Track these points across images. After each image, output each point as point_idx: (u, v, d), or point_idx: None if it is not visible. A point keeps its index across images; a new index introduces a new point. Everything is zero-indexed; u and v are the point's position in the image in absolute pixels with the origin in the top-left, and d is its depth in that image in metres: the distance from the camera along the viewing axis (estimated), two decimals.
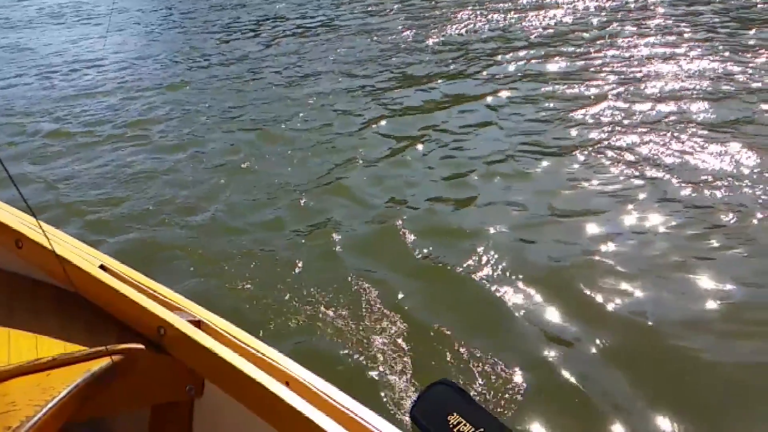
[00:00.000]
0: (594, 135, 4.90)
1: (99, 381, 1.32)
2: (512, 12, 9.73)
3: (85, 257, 1.64)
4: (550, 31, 8.43)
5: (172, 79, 8.01)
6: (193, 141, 5.77)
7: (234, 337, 1.43)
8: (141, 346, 1.40)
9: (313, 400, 1.26)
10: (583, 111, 5.44)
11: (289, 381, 1.32)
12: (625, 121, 5.11)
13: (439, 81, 6.80)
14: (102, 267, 1.62)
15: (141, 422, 1.58)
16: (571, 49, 7.48)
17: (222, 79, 7.79)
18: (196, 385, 1.46)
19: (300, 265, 3.50)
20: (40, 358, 1.36)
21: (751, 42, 6.94)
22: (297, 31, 10.09)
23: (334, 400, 1.28)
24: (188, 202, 4.52)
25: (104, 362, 1.36)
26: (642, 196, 3.91)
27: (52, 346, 1.44)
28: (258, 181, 4.78)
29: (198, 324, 1.46)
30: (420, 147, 5.11)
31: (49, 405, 1.21)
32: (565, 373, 2.55)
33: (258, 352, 1.40)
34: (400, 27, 9.50)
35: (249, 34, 10.37)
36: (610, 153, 4.56)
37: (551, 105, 5.66)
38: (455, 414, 1.68)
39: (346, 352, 2.73)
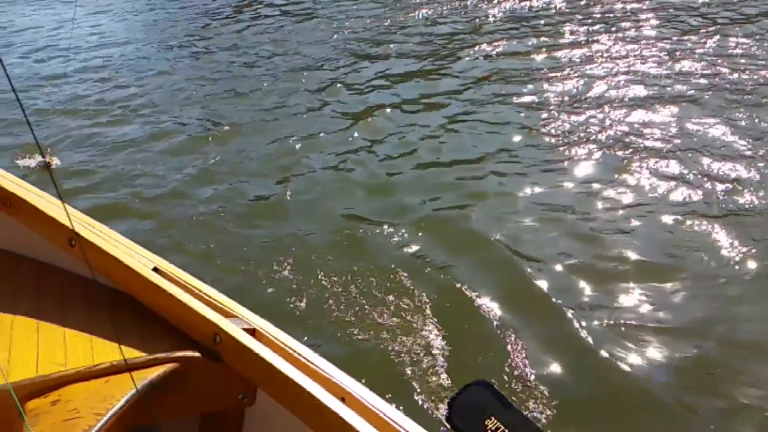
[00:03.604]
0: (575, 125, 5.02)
1: (156, 389, 1.34)
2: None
3: (138, 258, 1.64)
4: (526, 22, 8.52)
5: (150, 64, 7.92)
6: (170, 127, 5.77)
7: (289, 347, 1.43)
8: (197, 354, 1.42)
9: (370, 418, 1.25)
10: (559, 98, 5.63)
11: (345, 397, 1.31)
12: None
13: (412, 72, 6.87)
14: (155, 269, 1.61)
15: (190, 428, 1.58)
16: (546, 38, 7.64)
17: (201, 64, 7.77)
18: (249, 393, 1.46)
19: (315, 249, 3.55)
20: (99, 364, 1.38)
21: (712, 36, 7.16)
22: (274, 17, 10.00)
23: (392, 420, 1.26)
24: (163, 185, 4.58)
25: (162, 370, 1.37)
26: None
27: (107, 350, 1.45)
28: (253, 164, 4.86)
29: (253, 332, 1.46)
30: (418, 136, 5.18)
31: (109, 414, 1.23)
32: (611, 381, 2.55)
33: (313, 364, 1.39)
34: (379, 12, 9.53)
35: (231, 17, 10.24)
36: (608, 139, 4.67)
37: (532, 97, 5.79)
38: (493, 418, 1.64)
39: (378, 347, 2.74)
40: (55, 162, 4.91)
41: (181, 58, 8.13)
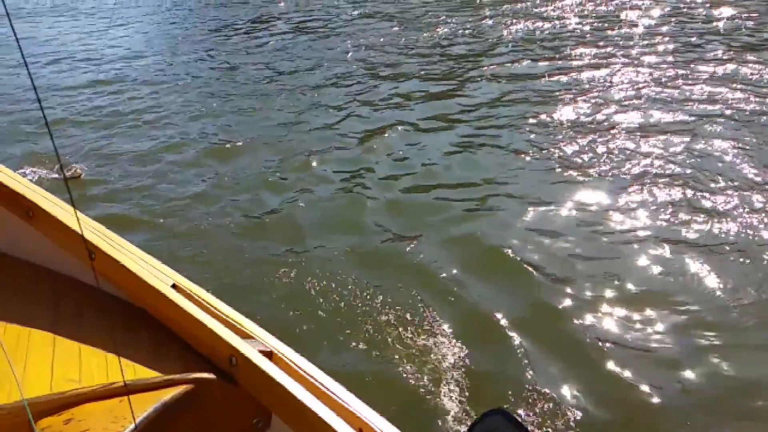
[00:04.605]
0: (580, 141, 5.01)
1: (170, 411, 1.32)
2: (502, 19, 9.89)
3: (157, 275, 1.63)
4: (540, 43, 8.57)
5: (167, 78, 8.04)
6: (186, 139, 5.82)
7: (306, 372, 1.40)
8: (213, 376, 1.40)
9: None
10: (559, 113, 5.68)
11: (362, 428, 1.28)
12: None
13: (426, 91, 6.93)
14: (174, 286, 1.60)
15: None
16: (552, 56, 7.74)
17: (217, 78, 7.88)
18: (264, 419, 1.43)
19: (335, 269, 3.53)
20: (113, 383, 1.37)
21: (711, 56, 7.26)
22: (291, 33, 10.18)
23: None
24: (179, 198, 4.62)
25: (176, 391, 1.36)
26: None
27: (122, 368, 1.43)
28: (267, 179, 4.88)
29: (269, 355, 1.44)
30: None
31: None
32: (629, 408, 2.52)
33: (330, 391, 1.35)
34: (394, 31, 9.64)
35: (249, 33, 10.42)
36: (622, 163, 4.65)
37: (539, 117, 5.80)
38: None
39: (394, 370, 2.70)
40: (83, 174, 4.97)
41: (198, 73, 8.23)
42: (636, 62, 7.37)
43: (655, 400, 2.57)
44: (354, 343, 2.92)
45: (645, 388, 2.63)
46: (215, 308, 1.56)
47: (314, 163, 5.14)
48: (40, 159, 5.16)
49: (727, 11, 9.68)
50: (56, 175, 4.81)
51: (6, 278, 1.87)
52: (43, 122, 6.22)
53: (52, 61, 9.14)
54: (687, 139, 5.13)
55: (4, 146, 5.65)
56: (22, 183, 1.98)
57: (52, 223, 1.82)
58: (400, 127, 5.86)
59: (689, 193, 4.26)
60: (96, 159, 5.39)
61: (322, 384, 1.37)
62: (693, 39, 8.23)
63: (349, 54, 8.59)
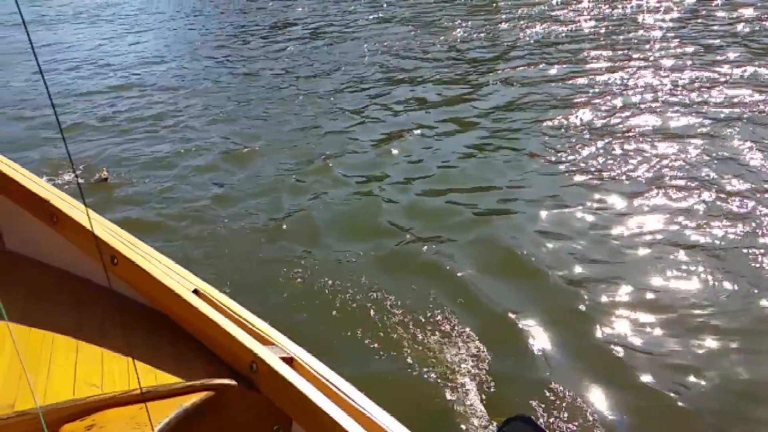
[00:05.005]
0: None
1: (191, 417, 1.34)
2: (518, 22, 9.85)
3: (179, 280, 1.64)
4: (554, 47, 8.53)
5: (185, 82, 8.16)
6: (204, 144, 5.89)
7: (327, 379, 1.39)
8: (234, 382, 1.41)
9: None
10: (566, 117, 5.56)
11: None
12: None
13: (441, 95, 6.95)
14: (195, 292, 1.61)
15: None
16: (564, 63, 7.69)
17: (235, 83, 7.97)
18: (284, 425, 1.43)
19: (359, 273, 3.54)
20: (134, 389, 1.38)
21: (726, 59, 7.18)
22: (308, 39, 10.27)
23: None
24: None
25: (197, 398, 1.37)
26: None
27: (143, 374, 1.45)
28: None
29: (290, 361, 1.44)
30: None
31: None
32: (656, 417, 2.51)
33: (351, 399, 1.34)
34: (410, 36, 9.66)
35: (266, 38, 10.53)
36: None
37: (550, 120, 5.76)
38: None
39: (415, 375, 2.70)
40: (110, 178, 5.05)
41: (216, 77, 8.33)
42: (653, 65, 7.31)
43: (674, 405, 2.56)
44: (370, 346, 2.94)
45: (662, 392, 2.62)
46: (236, 314, 1.57)
47: (330, 166, 5.18)
48: (60, 163, 5.25)
49: (747, 13, 9.55)
50: (81, 180, 4.90)
51: (30, 282, 1.91)
52: (63, 127, 6.35)
53: (73, 66, 9.32)
54: (704, 142, 5.08)
55: (27, 151, 5.76)
56: (46, 188, 2.01)
57: (76, 229, 1.84)
58: (416, 131, 5.88)
59: (705, 196, 4.23)
60: (118, 163, 5.48)
61: (342, 391, 1.37)
62: (711, 41, 8.13)
63: (366, 58, 8.64)
